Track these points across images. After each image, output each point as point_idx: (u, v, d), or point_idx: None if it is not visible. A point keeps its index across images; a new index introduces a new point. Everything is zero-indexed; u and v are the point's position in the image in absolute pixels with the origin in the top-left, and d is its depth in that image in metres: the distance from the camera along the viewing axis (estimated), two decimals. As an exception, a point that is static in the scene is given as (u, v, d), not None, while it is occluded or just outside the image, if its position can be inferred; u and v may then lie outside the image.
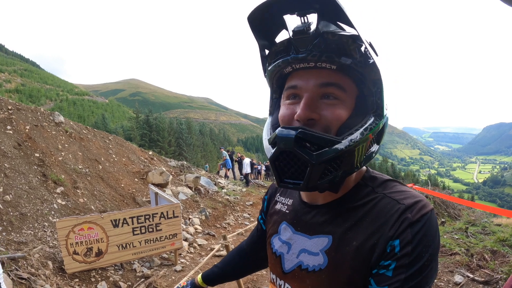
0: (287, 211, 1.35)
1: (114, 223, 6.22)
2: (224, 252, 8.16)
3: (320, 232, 1.16)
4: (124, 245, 6.36)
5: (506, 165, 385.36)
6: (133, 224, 6.46)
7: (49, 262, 5.98)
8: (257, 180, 24.21)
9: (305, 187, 1.03)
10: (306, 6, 0.99)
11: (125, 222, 6.36)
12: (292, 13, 1.03)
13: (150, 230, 6.68)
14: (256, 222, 1.78)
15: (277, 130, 1.05)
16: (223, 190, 15.80)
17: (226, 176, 23.89)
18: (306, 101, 1.05)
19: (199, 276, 1.84)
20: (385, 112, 1.09)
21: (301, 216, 1.26)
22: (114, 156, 12.03)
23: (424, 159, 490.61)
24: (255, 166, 30.28)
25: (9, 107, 9.98)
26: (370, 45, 1.03)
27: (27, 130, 9.48)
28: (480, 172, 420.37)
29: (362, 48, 1.00)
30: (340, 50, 1.00)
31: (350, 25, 0.98)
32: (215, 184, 16.20)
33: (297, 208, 1.31)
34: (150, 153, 16.16)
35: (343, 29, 1.01)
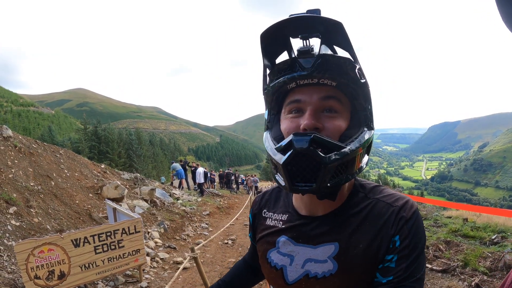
0: (284, 226, 1.41)
1: (74, 242, 5.96)
2: (188, 264, 8.10)
3: (325, 241, 1.25)
4: (87, 265, 6.09)
5: (452, 161, 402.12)
6: (94, 242, 6.21)
7: (9, 289, 5.66)
8: (211, 189, 24.17)
9: (317, 188, 1.12)
10: (313, 30, 1.12)
11: (86, 241, 6.10)
12: (297, 36, 1.16)
13: (112, 247, 6.46)
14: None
15: (290, 137, 1.13)
16: (178, 201, 15.70)
17: (180, 187, 23.75)
18: (311, 112, 1.16)
19: None
20: (373, 125, 1.24)
21: (301, 228, 1.33)
22: (66, 171, 11.63)
23: (373, 160, 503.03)
24: (209, 175, 30.26)
25: None
26: (360, 69, 1.18)
27: None
28: (427, 169, 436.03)
29: (357, 69, 1.14)
30: (339, 69, 1.13)
31: (349, 48, 1.13)
32: (170, 196, 16.06)
33: (295, 222, 1.37)
34: (103, 166, 15.77)
35: (336, 52, 1.15)
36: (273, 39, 1.16)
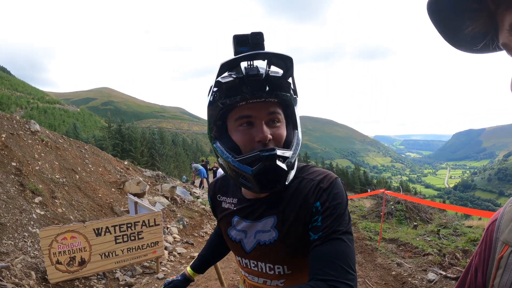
0: (235, 208, 1.70)
1: (96, 231, 6.23)
2: None
3: (266, 215, 1.55)
4: (106, 254, 6.36)
5: (475, 170, 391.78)
6: (115, 232, 6.48)
7: (32, 272, 5.94)
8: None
9: (281, 188, 1.45)
10: (263, 59, 1.38)
11: (107, 230, 6.38)
12: (247, 60, 1.38)
13: (132, 238, 6.71)
14: None
15: (257, 152, 1.37)
16: (198, 199, 15.84)
17: (201, 186, 23.88)
18: (264, 126, 1.41)
19: (188, 267, 2.24)
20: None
21: (248, 209, 1.62)
22: (90, 166, 11.97)
23: (395, 166, 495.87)
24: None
25: None
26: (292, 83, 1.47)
27: (3, 139, 9.36)
28: (450, 177, 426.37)
29: (289, 86, 1.44)
30: (280, 88, 1.41)
31: (290, 70, 1.39)
32: (190, 194, 16.23)
33: (243, 204, 1.66)
34: (126, 163, 16.09)
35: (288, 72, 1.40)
36: (230, 64, 1.36)
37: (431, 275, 6.40)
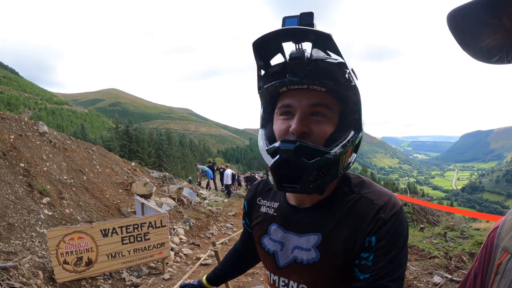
0: (275, 214, 1.54)
1: (103, 232, 6.31)
2: (209, 261, 8.25)
3: (310, 231, 1.37)
4: (113, 254, 6.44)
5: (483, 172, 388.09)
6: (122, 233, 6.55)
7: (40, 272, 6.02)
8: (238, 191, 24.28)
9: (301, 189, 1.24)
10: (305, 39, 1.18)
11: (114, 231, 6.45)
12: (290, 41, 1.21)
13: (139, 239, 6.77)
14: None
15: (278, 143, 1.24)
16: (205, 201, 15.90)
17: (207, 187, 23.91)
18: (299, 117, 1.24)
19: (204, 278, 2.08)
20: (363, 126, 1.31)
21: (290, 217, 1.45)
22: (98, 167, 12.06)
23: (403, 167, 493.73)
24: (237, 177, 30.31)
25: None
26: (352, 70, 1.25)
27: (11, 140, 9.45)
28: (458, 179, 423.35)
29: (346, 74, 1.21)
30: (329, 74, 1.20)
31: (339, 54, 1.18)
32: (197, 195, 16.27)
33: (285, 211, 1.49)
34: (133, 164, 16.17)
35: (330, 56, 1.21)
36: (266, 45, 1.23)
37: (436, 278, 6.37)
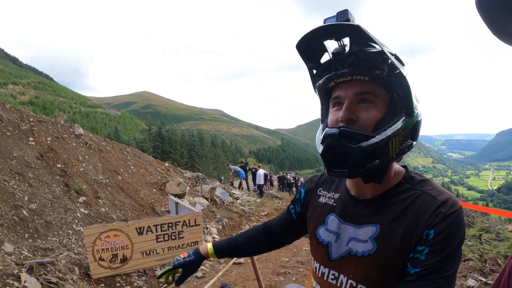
0: (334, 204, 1.54)
1: (139, 230, 6.44)
2: (242, 260, 8.37)
3: (368, 222, 1.37)
4: (148, 252, 6.55)
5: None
6: (156, 231, 6.65)
7: (76, 268, 6.21)
8: (270, 191, 24.28)
9: (349, 174, 1.27)
10: (340, 34, 1.28)
11: (149, 230, 6.57)
12: (330, 39, 1.31)
13: (173, 237, 6.86)
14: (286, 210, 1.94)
15: (324, 130, 1.31)
16: (237, 200, 15.95)
17: (240, 187, 23.97)
18: (346, 105, 1.29)
19: (210, 244, 1.98)
20: (415, 110, 1.31)
21: (349, 208, 1.46)
22: (132, 167, 12.28)
23: (437, 167, 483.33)
24: (269, 177, 30.31)
25: (31, 119, 10.29)
26: (396, 57, 1.27)
27: (48, 142, 9.75)
28: (494, 179, 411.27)
29: (389, 61, 1.24)
30: (370, 64, 1.25)
31: (375, 42, 1.23)
32: (229, 195, 16.35)
33: (345, 201, 1.50)
34: (166, 164, 16.40)
35: (373, 46, 1.27)
36: (309, 46, 1.34)
37: (470, 282, 6.24)
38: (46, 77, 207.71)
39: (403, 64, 1.28)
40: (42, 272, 5.54)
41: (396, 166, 1.43)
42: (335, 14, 1.28)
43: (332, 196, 1.59)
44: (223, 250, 1.94)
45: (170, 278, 1.91)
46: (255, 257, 6.15)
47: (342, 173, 1.28)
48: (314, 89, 1.46)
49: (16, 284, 5.23)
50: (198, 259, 1.92)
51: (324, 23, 1.27)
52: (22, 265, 5.71)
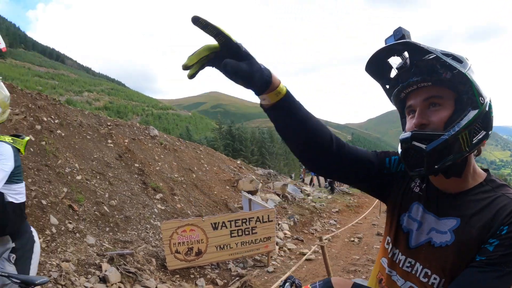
0: (421, 193, 1.56)
1: (213, 225, 6.69)
2: (312, 256, 8.29)
3: (449, 215, 1.41)
4: (221, 246, 6.80)
5: None
6: (231, 227, 6.89)
7: (153, 259, 6.58)
8: (342, 188, 23.96)
9: (426, 172, 1.35)
10: (399, 51, 1.42)
11: (223, 225, 6.82)
12: (392, 56, 1.45)
13: (246, 233, 7.06)
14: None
15: (400, 136, 1.40)
16: (309, 197, 15.91)
17: (311, 183, 23.86)
18: (418, 112, 1.38)
19: (284, 86, 1.36)
20: (483, 102, 1.34)
21: (433, 199, 1.50)
22: (205, 165, 12.66)
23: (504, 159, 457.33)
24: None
25: (108, 123, 10.96)
26: (453, 57, 1.33)
27: (126, 143, 10.34)
28: None
29: (446, 63, 1.31)
30: (430, 70, 1.35)
31: (428, 51, 1.33)
32: (301, 192, 16.35)
33: (430, 193, 1.53)
34: (238, 162, 16.73)
35: (429, 53, 1.35)
36: (375, 66, 1.49)
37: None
38: (118, 83, 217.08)
39: (460, 62, 1.33)
40: (121, 263, 5.93)
41: (478, 168, 1.47)
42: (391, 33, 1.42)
43: (420, 186, 1.60)
44: (292, 99, 1.36)
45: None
46: (327, 253, 6.13)
47: (421, 172, 1.36)
48: (391, 101, 1.56)
49: (97, 272, 5.67)
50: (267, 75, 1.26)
51: (385, 43, 1.40)
52: (103, 255, 6.18)
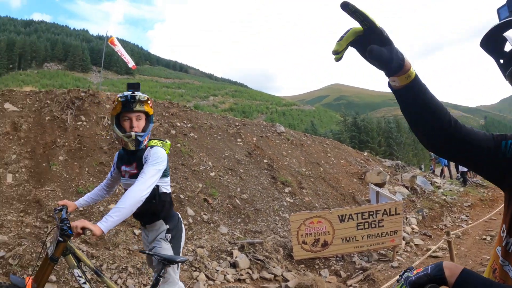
0: None
1: (340, 218, 6.83)
2: (440, 253, 7.99)
3: None
4: (347, 239, 6.91)
5: None
6: (357, 219, 6.94)
7: (280, 249, 7.00)
8: (475, 179, 22.57)
9: None
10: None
11: (350, 217, 6.90)
12: (507, 30, 1.31)
13: (373, 226, 7.05)
14: None
15: None
16: (439, 189, 15.26)
17: (442, 175, 22.82)
18: None
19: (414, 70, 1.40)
20: None
21: None
22: (332, 158, 12.92)
23: None
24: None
25: (236, 124, 11.88)
26: None
27: (254, 141, 11.07)
28: None
29: None
30: None
31: None
32: (431, 184, 15.75)
33: None
34: (365, 154, 16.69)
35: None
36: (490, 41, 1.36)
37: None
38: (241, 85, 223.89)
39: None
40: (251, 251, 6.47)
41: None
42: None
43: None
44: (419, 82, 1.36)
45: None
46: (454, 250, 5.92)
47: None
48: (505, 77, 1.39)
49: (228, 258, 6.33)
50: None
51: (498, 13, 1.31)
52: (235, 243, 6.82)
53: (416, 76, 1.33)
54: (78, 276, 2.97)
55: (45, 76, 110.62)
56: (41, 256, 3.99)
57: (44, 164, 7.48)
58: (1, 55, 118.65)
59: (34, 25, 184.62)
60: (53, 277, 4.78)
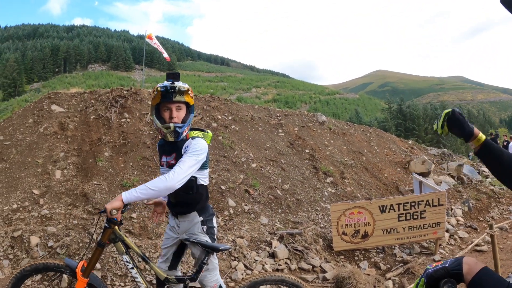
0: None
1: (381, 208, 6.68)
2: (485, 248, 7.73)
3: None
4: (388, 230, 6.76)
5: None
6: (399, 210, 6.75)
7: (320, 239, 6.98)
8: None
9: None
10: None
11: (391, 208, 6.72)
12: None
13: (415, 217, 6.84)
14: None
15: None
16: (487, 179, 14.85)
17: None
18: None
19: (482, 135, 1.81)
20: None
21: None
22: (375, 147, 12.73)
23: None
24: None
25: (278, 114, 11.94)
26: None
27: (295, 131, 11.11)
28: None
29: None
30: None
31: None
32: (478, 173, 15.32)
33: None
34: (410, 142, 16.37)
35: None
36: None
37: None
38: (283, 76, 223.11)
39: None
40: (290, 241, 6.53)
41: None
42: None
43: None
44: (489, 143, 1.75)
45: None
46: (499, 247, 5.75)
47: None
48: None
49: (267, 248, 6.41)
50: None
51: None
52: (274, 234, 6.89)
53: (486, 140, 1.76)
54: (127, 261, 3.11)
55: (90, 77, 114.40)
56: (87, 246, 4.15)
57: (90, 160, 7.84)
58: (47, 60, 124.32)
59: (76, 29, 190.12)
60: (98, 265, 5.01)
